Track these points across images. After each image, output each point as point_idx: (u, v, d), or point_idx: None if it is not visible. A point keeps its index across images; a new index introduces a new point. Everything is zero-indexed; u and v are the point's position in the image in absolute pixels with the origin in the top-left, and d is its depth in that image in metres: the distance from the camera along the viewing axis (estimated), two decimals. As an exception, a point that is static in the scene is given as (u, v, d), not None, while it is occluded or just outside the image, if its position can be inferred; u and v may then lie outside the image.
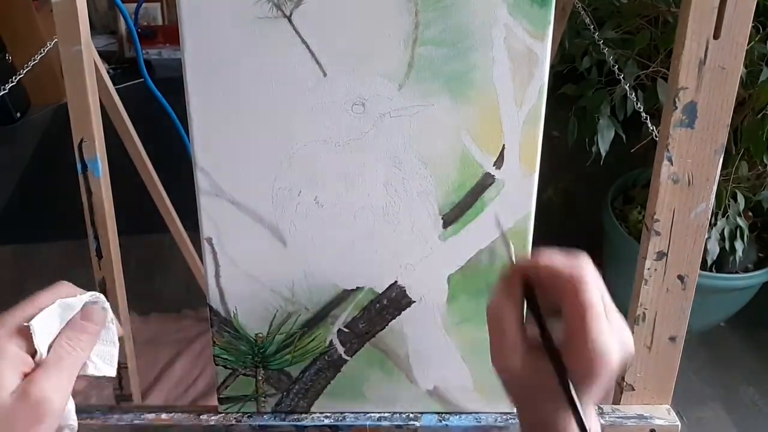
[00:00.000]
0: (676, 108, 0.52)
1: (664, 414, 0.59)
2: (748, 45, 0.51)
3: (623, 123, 1.27)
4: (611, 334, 0.41)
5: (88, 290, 0.41)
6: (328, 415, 0.60)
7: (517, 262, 0.46)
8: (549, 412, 0.43)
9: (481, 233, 0.54)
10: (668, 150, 0.53)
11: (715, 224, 1.24)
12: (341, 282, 0.56)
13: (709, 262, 1.26)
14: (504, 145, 0.51)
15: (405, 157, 0.52)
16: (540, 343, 0.43)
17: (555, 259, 0.42)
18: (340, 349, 0.58)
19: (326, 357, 0.58)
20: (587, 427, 0.40)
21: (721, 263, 1.28)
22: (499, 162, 0.52)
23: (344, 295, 0.56)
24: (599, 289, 0.41)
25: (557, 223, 1.39)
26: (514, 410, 0.46)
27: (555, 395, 0.41)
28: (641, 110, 0.86)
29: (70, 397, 0.39)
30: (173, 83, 0.68)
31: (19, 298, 0.39)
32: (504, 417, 0.59)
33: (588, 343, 0.40)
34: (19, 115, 2.43)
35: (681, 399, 1.36)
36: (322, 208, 0.53)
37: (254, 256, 0.55)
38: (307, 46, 0.49)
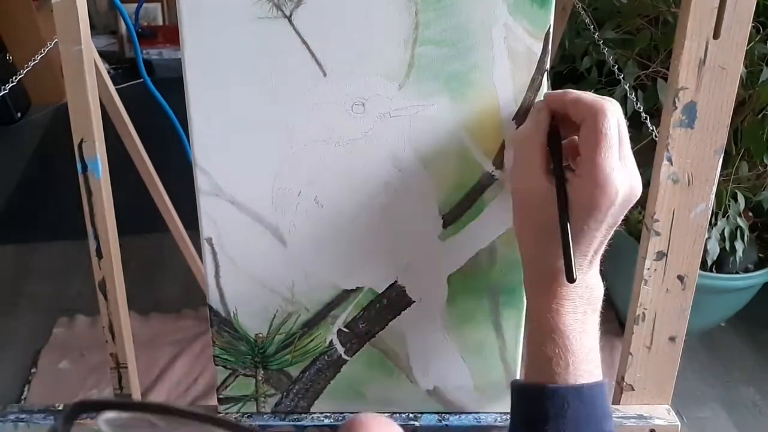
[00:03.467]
0: (676, 108, 0.52)
1: (663, 414, 0.59)
2: (748, 45, 0.51)
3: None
4: (620, 168, 0.41)
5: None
6: (328, 415, 0.60)
7: (547, 94, 0.48)
8: (553, 240, 0.43)
9: (481, 233, 0.54)
10: (668, 150, 0.53)
11: (715, 224, 1.24)
12: (341, 282, 0.56)
13: (709, 263, 1.26)
14: (504, 145, 0.51)
15: (405, 157, 0.52)
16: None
17: (583, 92, 0.45)
18: (340, 349, 0.58)
19: (326, 357, 0.58)
20: (572, 263, 0.41)
21: (721, 263, 1.28)
22: (498, 162, 0.52)
23: (344, 295, 0.56)
24: (618, 125, 0.42)
25: (557, 223, 1.39)
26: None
27: (551, 227, 0.43)
28: (641, 110, 0.86)
29: None
30: (173, 83, 0.68)
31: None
32: (504, 417, 0.59)
33: (594, 165, 0.41)
34: (19, 115, 2.43)
35: (681, 399, 1.36)
36: (322, 208, 0.53)
37: (254, 256, 0.55)
38: (307, 46, 0.49)
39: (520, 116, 0.50)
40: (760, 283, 1.34)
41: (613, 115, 0.42)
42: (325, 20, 0.49)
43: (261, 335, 0.57)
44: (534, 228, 0.46)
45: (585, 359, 0.44)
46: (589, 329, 0.45)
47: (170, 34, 2.83)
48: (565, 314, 0.44)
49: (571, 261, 0.41)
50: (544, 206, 0.44)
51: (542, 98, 0.49)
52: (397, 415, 0.59)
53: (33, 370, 1.47)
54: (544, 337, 0.44)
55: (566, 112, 0.45)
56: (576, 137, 0.44)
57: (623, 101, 1.25)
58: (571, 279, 0.41)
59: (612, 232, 0.44)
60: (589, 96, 0.44)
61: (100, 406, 0.23)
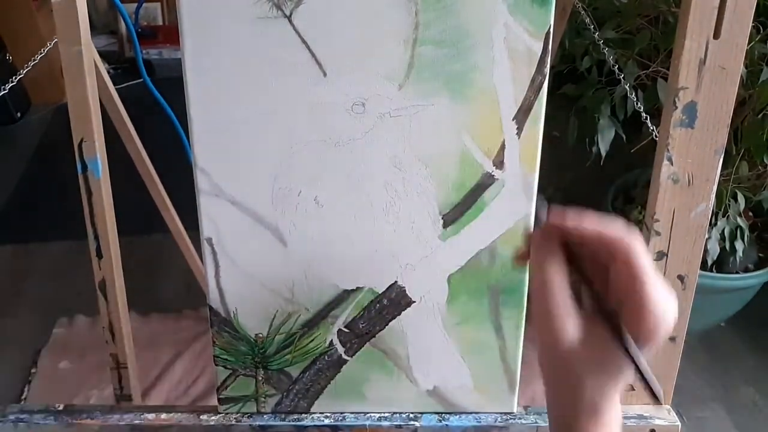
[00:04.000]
0: (676, 108, 0.52)
1: (664, 414, 0.59)
2: (748, 45, 0.51)
3: (623, 123, 1.27)
4: (667, 295, 0.38)
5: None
6: (328, 415, 0.60)
7: (550, 223, 0.40)
8: (598, 389, 0.39)
9: (481, 233, 0.54)
10: (668, 150, 0.53)
11: (716, 224, 1.23)
12: (341, 282, 0.56)
13: (710, 263, 1.26)
14: (504, 145, 0.51)
15: (405, 157, 0.52)
16: (589, 309, 0.39)
17: (593, 221, 0.39)
18: (340, 349, 0.58)
19: (326, 357, 0.58)
20: (656, 388, 0.38)
21: (722, 263, 1.28)
22: (499, 162, 0.52)
23: (344, 295, 0.56)
24: (646, 253, 0.39)
25: (557, 223, 1.39)
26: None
27: (610, 364, 0.38)
28: (641, 110, 0.86)
29: None
30: (173, 83, 0.68)
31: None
32: (504, 417, 0.59)
33: (649, 307, 0.37)
34: (19, 115, 2.43)
35: (681, 399, 1.36)
36: (322, 208, 0.53)
37: (254, 256, 0.55)
38: (307, 46, 0.49)
39: (520, 116, 0.50)
40: (760, 283, 1.34)
41: (643, 245, 0.39)
42: (325, 20, 0.49)
43: (261, 335, 0.57)
44: (583, 375, 0.40)
45: None
46: None
47: (170, 34, 2.82)
48: None
49: (655, 384, 0.38)
50: (588, 348, 0.39)
51: (537, 226, 0.41)
52: (397, 415, 0.59)
53: (33, 370, 1.47)
54: None
55: (580, 244, 0.40)
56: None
57: (623, 101, 1.25)
58: (658, 399, 0.38)
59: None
60: (610, 231, 0.39)
61: None
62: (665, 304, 0.38)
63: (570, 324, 0.39)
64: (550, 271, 0.40)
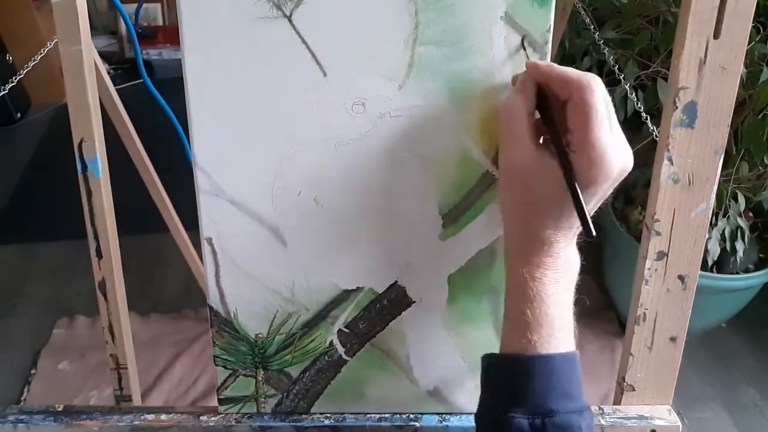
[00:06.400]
0: (677, 108, 0.52)
1: (664, 414, 0.59)
2: (748, 45, 0.51)
3: (623, 123, 1.27)
4: (613, 144, 0.42)
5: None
6: (329, 415, 0.60)
7: (530, 65, 0.47)
8: (539, 212, 0.44)
9: (481, 233, 0.54)
10: (668, 150, 0.53)
11: (716, 224, 1.24)
12: (341, 282, 0.56)
13: (710, 263, 1.26)
14: (504, 145, 0.51)
15: (405, 157, 0.52)
16: (547, 141, 0.45)
17: (567, 69, 0.44)
18: (341, 350, 0.58)
19: (326, 357, 0.58)
20: (590, 223, 0.42)
21: (722, 264, 1.28)
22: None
23: (344, 296, 0.56)
24: (605, 100, 0.43)
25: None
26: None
27: (556, 192, 0.43)
28: (641, 110, 0.86)
29: None
30: (173, 83, 0.68)
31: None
32: (504, 417, 0.59)
33: (589, 142, 0.41)
34: (19, 115, 2.43)
35: (682, 399, 1.36)
36: (322, 208, 0.53)
37: (254, 256, 0.55)
38: (307, 46, 0.49)
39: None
40: (760, 283, 1.33)
41: (600, 90, 0.43)
42: (325, 20, 0.49)
43: (261, 335, 0.57)
44: (523, 199, 0.46)
45: (562, 329, 0.45)
46: (566, 301, 0.46)
47: (170, 34, 2.83)
48: (548, 283, 0.44)
49: (587, 219, 0.42)
50: (533, 178, 0.44)
51: (525, 68, 0.49)
52: (398, 415, 0.59)
53: (33, 371, 1.47)
54: (524, 305, 0.44)
55: (550, 85, 0.45)
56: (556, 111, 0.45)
57: (623, 101, 1.25)
58: (590, 235, 0.42)
59: (600, 203, 0.45)
60: (574, 72, 0.44)
61: None
62: (608, 147, 0.42)
63: (524, 150, 0.44)
64: (520, 98, 0.45)
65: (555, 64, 0.46)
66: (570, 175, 0.42)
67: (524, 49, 0.49)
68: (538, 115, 0.47)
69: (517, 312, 0.45)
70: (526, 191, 0.45)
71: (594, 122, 0.41)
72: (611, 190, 0.44)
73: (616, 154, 0.42)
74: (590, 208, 0.44)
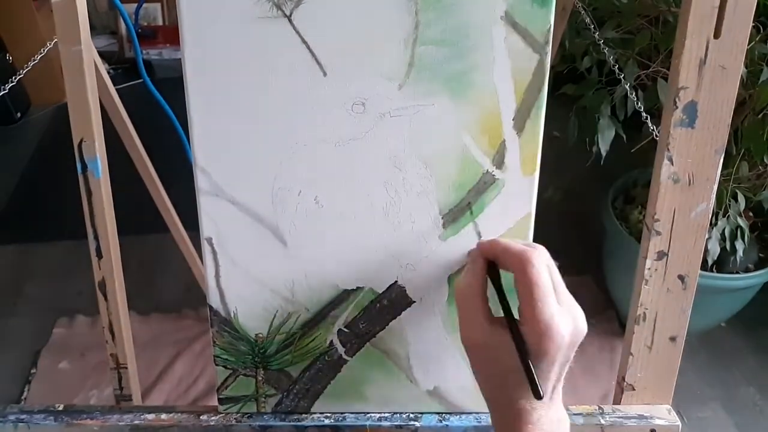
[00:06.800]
0: (677, 107, 0.52)
1: (664, 414, 0.59)
2: (748, 45, 0.51)
3: (623, 123, 1.27)
4: (560, 313, 0.43)
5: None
6: (329, 415, 0.60)
7: (479, 244, 0.51)
8: (509, 385, 0.45)
9: (482, 233, 0.54)
10: (668, 150, 0.53)
11: (716, 224, 1.24)
12: (341, 282, 0.56)
13: (710, 262, 1.26)
14: (504, 145, 0.51)
15: (405, 157, 0.52)
16: (502, 318, 0.46)
17: (511, 242, 0.47)
18: (341, 350, 0.58)
19: (326, 357, 0.58)
20: (540, 390, 0.42)
21: (722, 263, 1.28)
22: (499, 162, 0.52)
23: (344, 295, 0.56)
24: (548, 270, 0.45)
25: (557, 223, 1.39)
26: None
27: (514, 365, 0.44)
28: (641, 110, 0.86)
29: None
30: (173, 83, 0.68)
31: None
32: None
33: (535, 318, 0.43)
34: (19, 115, 2.43)
35: (681, 399, 1.36)
36: (322, 208, 0.53)
37: (254, 256, 0.55)
38: (307, 46, 0.49)
39: (520, 116, 0.50)
40: (760, 283, 1.34)
41: (540, 262, 0.44)
42: (325, 20, 0.49)
43: (261, 335, 0.57)
44: (490, 372, 0.47)
45: None
46: None
47: (170, 34, 2.83)
48: None
49: (536, 385, 0.42)
50: (492, 352, 0.45)
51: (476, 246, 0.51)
52: (398, 415, 0.59)
53: (33, 371, 1.47)
54: None
55: (497, 260, 0.48)
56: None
57: (623, 101, 1.25)
58: (538, 396, 0.42)
59: (567, 366, 0.45)
60: (515, 246, 0.46)
61: None
62: (554, 320, 0.43)
63: (479, 329, 0.46)
64: (470, 277, 0.48)
65: (500, 240, 0.49)
66: (521, 348, 0.43)
67: (546, 80, 0.50)
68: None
69: None
70: (489, 365, 0.46)
71: (536, 297, 0.42)
72: (573, 353, 0.45)
73: (564, 324, 0.42)
74: (555, 375, 0.44)
